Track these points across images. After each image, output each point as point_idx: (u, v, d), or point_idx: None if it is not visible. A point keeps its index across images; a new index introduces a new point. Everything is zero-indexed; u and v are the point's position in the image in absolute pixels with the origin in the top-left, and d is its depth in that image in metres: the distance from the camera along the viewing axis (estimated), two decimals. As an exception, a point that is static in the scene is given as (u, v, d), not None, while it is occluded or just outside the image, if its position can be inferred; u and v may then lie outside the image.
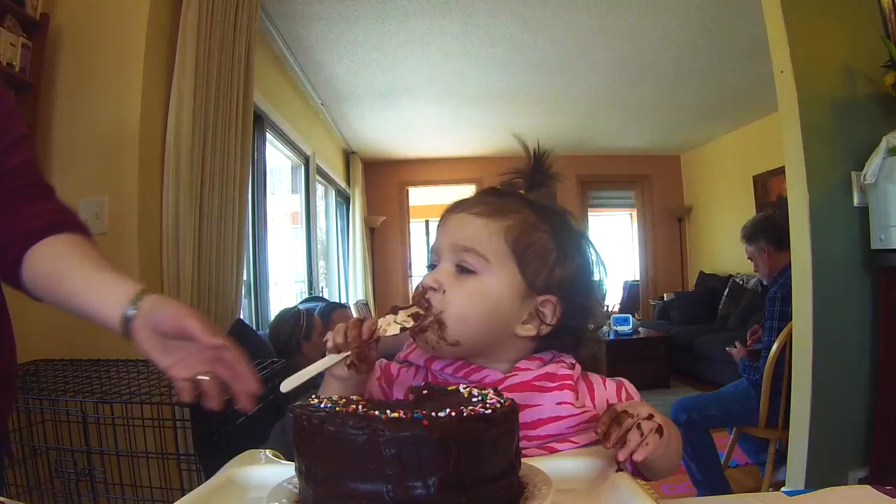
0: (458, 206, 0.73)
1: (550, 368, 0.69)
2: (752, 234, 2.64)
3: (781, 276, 2.44)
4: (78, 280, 0.77)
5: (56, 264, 0.79)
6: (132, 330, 0.70)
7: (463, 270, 0.68)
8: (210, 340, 0.68)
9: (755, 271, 2.74)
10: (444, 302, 0.67)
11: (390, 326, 0.66)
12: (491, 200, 0.71)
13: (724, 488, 2.44)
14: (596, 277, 0.75)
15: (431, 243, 0.74)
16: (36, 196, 0.85)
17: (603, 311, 0.79)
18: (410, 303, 0.70)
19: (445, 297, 0.67)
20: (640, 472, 0.67)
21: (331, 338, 0.65)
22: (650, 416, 0.59)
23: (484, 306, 0.67)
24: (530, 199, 0.74)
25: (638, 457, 0.57)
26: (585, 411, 0.67)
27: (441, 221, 0.73)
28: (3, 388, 0.84)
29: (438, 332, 0.67)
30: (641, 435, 0.57)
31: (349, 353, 0.64)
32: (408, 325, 0.66)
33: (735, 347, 2.66)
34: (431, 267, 0.72)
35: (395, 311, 0.67)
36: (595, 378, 0.73)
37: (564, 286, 0.70)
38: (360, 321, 0.66)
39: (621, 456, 0.57)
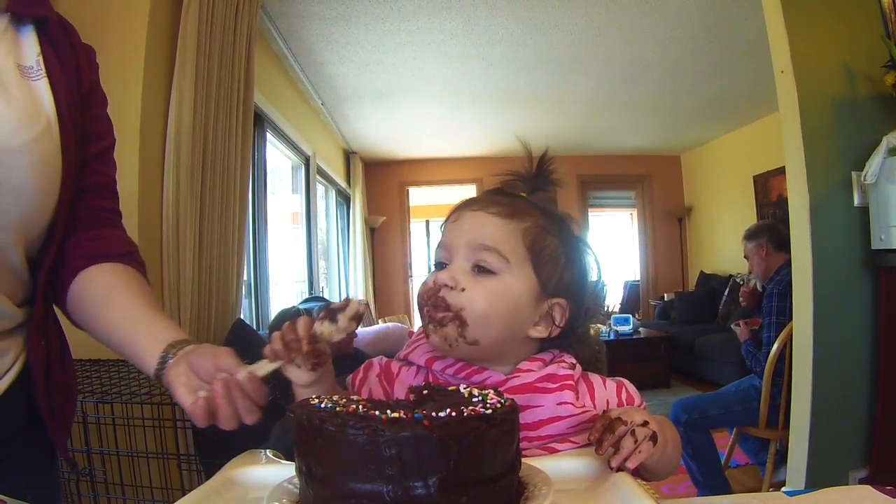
0: (473, 204, 0.71)
1: (551, 369, 0.69)
2: (755, 231, 2.67)
3: (777, 274, 2.45)
4: (126, 311, 0.76)
5: (107, 291, 0.78)
6: (168, 366, 0.70)
7: (481, 270, 0.67)
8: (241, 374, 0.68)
9: (750, 272, 2.75)
10: (465, 299, 0.66)
11: (336, 335, 0.63)
12: (504, 201, 0.71)
13: (724, 488, 2.44)
14: (594, 280, 0.76)
15: (441, 239, 0.72)
16: (109, 221, 0.86)
17: (602, 313, 0.80)
18: (422, 300, 0.68)
19: (465, 294, 0.66)
20: (640, 472, 0.68)
21: (268, 348, 0.64)
22: (645, 424, 0.59)
23: (505, 307, 0.67)
24: (536, 203, 0.74)
25: (630, 464, 0.57)
26: (586, 411, 0.67)
27: (452, 218, 0.72)
28: (68, 397, 0.85)
29: (459, 329, 0.66)
30: (635, 442, 0.58)
31: (283, 361, 0.63)
32: (353, 329, 0.64)
33: (739, 326, 2.67)
34: (439, 265, 0.70)
35: (332, 316, 0.63)
36: (595, 378, 0.73)
37: (571, 289, 0.71)
38: (294, 325, 0.64)
39: (614, 462, 0.57)
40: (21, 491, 0.75)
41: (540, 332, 0.70)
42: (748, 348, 2.55)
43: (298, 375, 0.65)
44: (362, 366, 0.79)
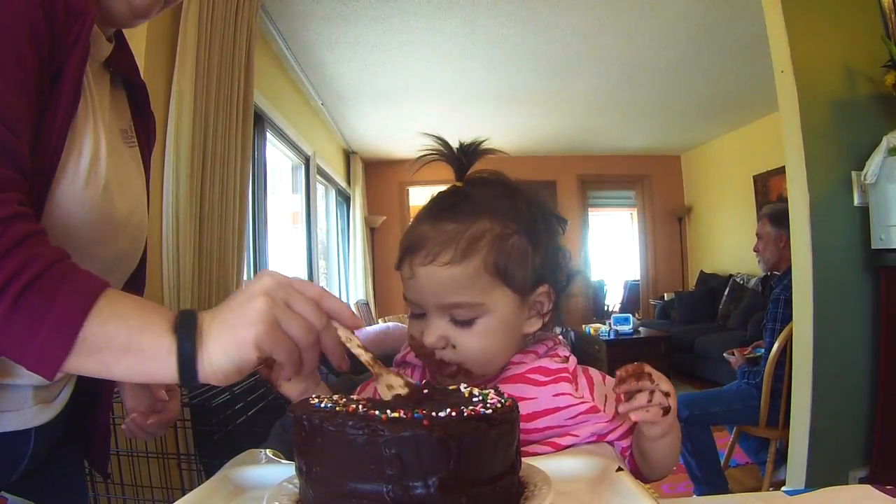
0: (420, 255, 0.65)
1: (544, 363, 0.69)
2: (781, 217, 2.47)
3: (786, 276, 2.41)
4: None
5: None
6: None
7: (461, 321, 0.66)
8: (158, 394, 0.84)
9: (757, 251, 2.62)
10: (460, 354, 0.66)
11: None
12: (451, 230, 0.65)
13: (722, 485, 2.44)
14: (561, 235, 0.74)
15: (405, 292, 0.69)
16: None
17: (572, 261, 0.77)
18: (416, 353, 0.68)
19: (459, 351, 0.66)
20: (639, 472, 0.68)
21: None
22: (667, 394, 0.60)
23: (499, 339, 0.67)
24: (481, 197, 0.68)
25: (634, 417, 0.59)
26: (584, 402, 0.67)
27: (406, 273, 0.67)
28: (106, 407, 0.90)
29: (466, 374, 0.67)
30: (649, 402, 0.59)
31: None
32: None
33: (733, 355, 2.65)
34: (419, 315, 0.68)
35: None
36: (595, 374, 0.73)
37: (547, 268, 0.70)
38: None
39: (621, 408, 0.60)
40: (62, 479, 0.80)
41: (534, 324, 0.71)
42: (744, 369, 2.53)
43: (291, 389, 0.66)
44: (364, 383, 0.80)
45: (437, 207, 0.69)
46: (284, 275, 0.54)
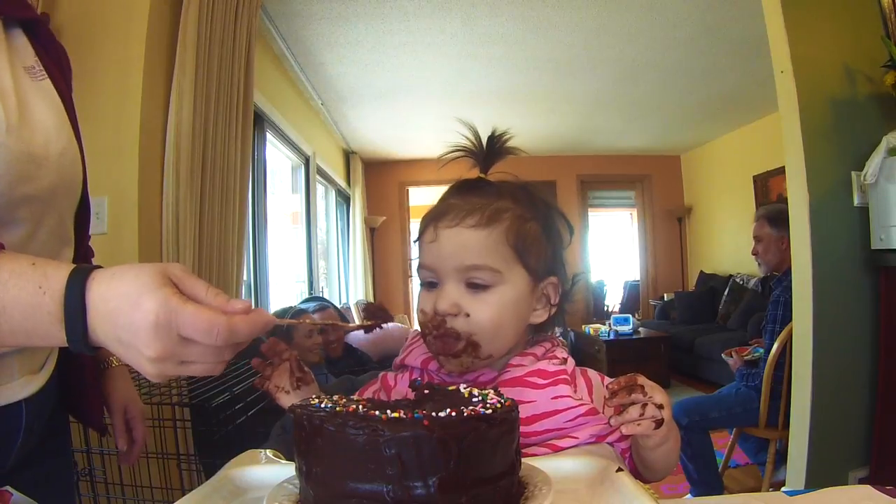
0: (447, 219, 0.69)
1: (542, 365, 0.69)
2: (780, 218, 2.45)
3: (786, 277, 2.40)
4: None
5: None
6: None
7: (477, 286, 0.67)
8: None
9: (756, 254, 2.60)
10: (472, 324, 0.66)
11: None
12: (477, 203, 0.69)
13: (718, 486, 2.45)
14: (566, 236, 0.75)
15: (422, 260, 0.70)
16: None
17: (583, 272, 0.80)
18: (426, 330, 0.68)
19: (471, 319, 0.66)
20: (639, 473, 0.68)
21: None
22: (661, 407, 0.59)
23: (510, 315, 0.68)
24: (503, 187, 0.72)
25: (625, 430, 0.59)
26: (583, 404, 0.67)
27: (429, 238, 0.70)
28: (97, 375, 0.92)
29: (473, 354, 0.66)
30: (641, 415, 0.58)
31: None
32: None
33: (731, 357, 2.64)
34: (429, 285, 0.69)
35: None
36: (594, 375, 0.73)
37: (556, 260, 0.73)
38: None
39: (613, 421, 0.59)
40: (48, 476, 0.81)
41: (540, 315, 0.71)
42: (742, 371, 2.53)
43: (287, 400, 0.69)
44: (364, 385, 0.80)
45: (463, 187, 0.73)
46: (169, 316, 0.46)
